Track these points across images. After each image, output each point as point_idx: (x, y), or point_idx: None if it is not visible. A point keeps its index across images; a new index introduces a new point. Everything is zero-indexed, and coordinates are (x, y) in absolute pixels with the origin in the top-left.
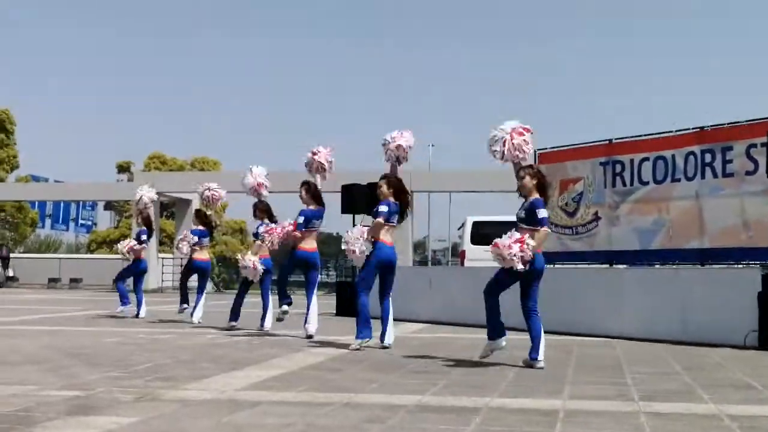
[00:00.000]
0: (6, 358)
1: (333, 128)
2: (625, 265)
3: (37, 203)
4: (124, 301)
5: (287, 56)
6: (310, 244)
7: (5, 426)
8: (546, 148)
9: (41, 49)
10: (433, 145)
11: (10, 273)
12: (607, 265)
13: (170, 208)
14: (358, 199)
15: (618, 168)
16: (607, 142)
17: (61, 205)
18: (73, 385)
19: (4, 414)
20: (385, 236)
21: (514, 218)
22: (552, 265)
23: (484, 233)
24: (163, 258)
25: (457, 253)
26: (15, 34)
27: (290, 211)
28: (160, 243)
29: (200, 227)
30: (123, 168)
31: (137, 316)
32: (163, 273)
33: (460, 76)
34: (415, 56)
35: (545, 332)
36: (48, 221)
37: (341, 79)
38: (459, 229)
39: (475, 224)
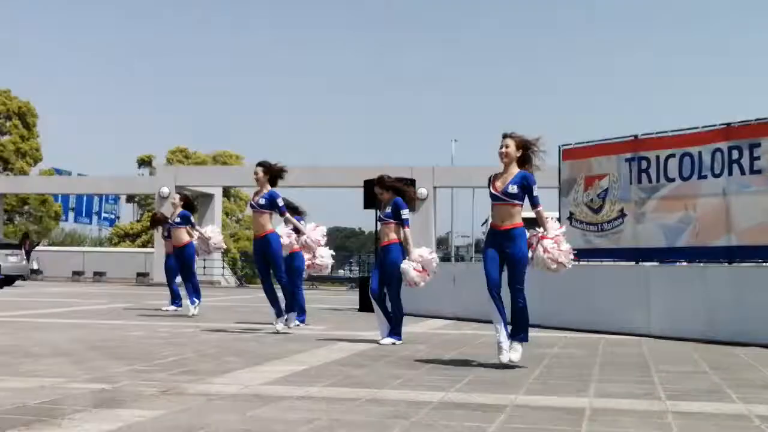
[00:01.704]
0: (33, 351)
1: (354, 123)
2: (651, 263)
3: (60, 196)
4: (177, 302)
5: (309, 50)
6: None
7: (33, 417)
8: (570, 144)
9: (63, 41)
10: (456, 140)
11: (34, 266)
12: (633, 263)
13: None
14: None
15: (644, 164)
16: (633, 138)
17: (84, 198)
18: (99, 377)
19: (32, 406)
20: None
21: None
22: (577, 262)
23: None
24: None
25: (481, 250)
26: (37, 27)
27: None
28: None
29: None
30: (144, 161)
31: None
32: None
33: (484, 70)
34: (434, 50)
35: (571, 329)
36: (71, 214)
37: (362, 73)
38: (483, 225)
39: None
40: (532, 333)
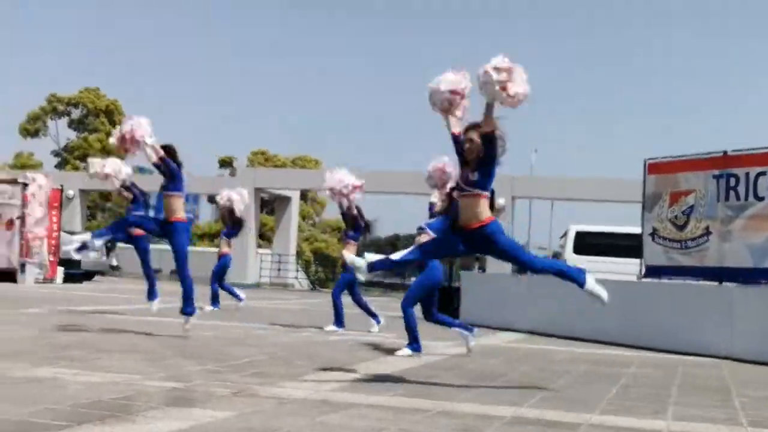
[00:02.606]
0: (108, 347)
1: (434, 130)
2: (736, 283)
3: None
4: (215, 303)
5: (389, 57)
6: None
7: (107, 413)
8: (656, 158)
9: (153, 41)
10: (536, 151)
11: (114, 262)
12: (717, 282)
13: (270, 204)
14: None
15: (732, 181)
16: (722, 153)
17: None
18: (172, 376)
19: (107, 401)
20: None
21: (620, 229)
22: (659, 279)
23: (588, 243)
24: (261, 253)
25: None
26: (125, 28)
27: (387, 212)
28: (260, 237)
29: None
30: (225, 163)
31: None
32: (261, 268)
33: (564, 78)
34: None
35: (649, 349)
36: (151, 213)
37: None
38: (561, 238)
39: (579, 234)
40: (611, 350)
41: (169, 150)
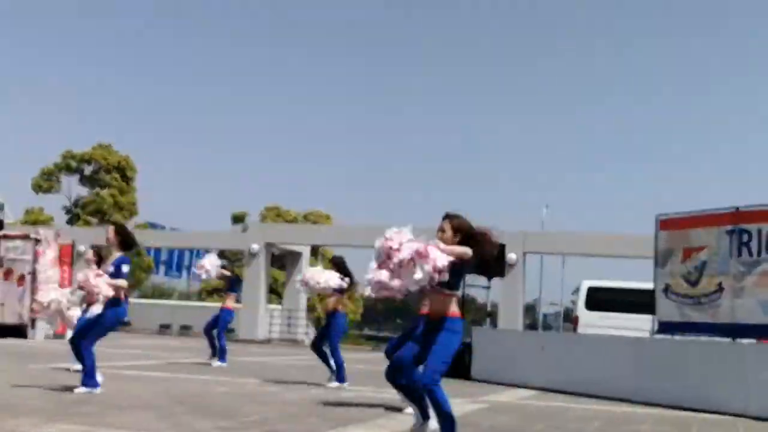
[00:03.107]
0: (119, 402)
1: (444, 186)
2: (748, 339)
3: (153, 250)
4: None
5: (396, 113)
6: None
7: None
8: (668, 215)
9: (160, 99)
10: (548, 206)
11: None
12: (730, 339)
13: (281, 259)
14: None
15: (745, 237)
16: (734, 209)
17: (176, 252)
18: None
19: None
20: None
21: (633, 285)
22: (671, 336)
23: (600, 299)
24: (272, 309)
25: (570, 319)
26: (140, 85)
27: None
28: (270, 291)
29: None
30: (238, 219)
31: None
32: (271, 324)
33: (575, 134)
34: (520, 114)
35: (663, 406)
36: (162, 268)
37: (451, 137)
38: (573, 293)
39: (591, 289)
40: (625, 408)
41: None
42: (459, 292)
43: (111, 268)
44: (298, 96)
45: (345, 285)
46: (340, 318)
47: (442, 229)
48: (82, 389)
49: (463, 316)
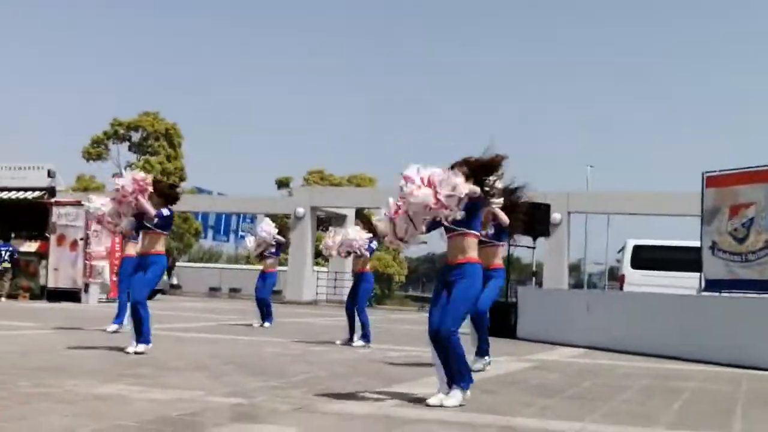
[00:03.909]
0: (173, 364)
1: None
2: None
3: (200, 215)
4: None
5: (442, 72)
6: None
7: (174, 429)
8: (714, 172)
9: (207, 65)
10: (592, 166)
11: (174, 281)
12: None
13: (326, 222)
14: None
15: None
16: None
17: (223, 217)
18: (236, 392)
19: (173, 418)
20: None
21: (679, 243)
22: (719, 293)
23: (646, 257)
24: (317, 271)
25: (615, 277)
26: (183, 52)
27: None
28: (316, 255)
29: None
30: (282, 183)
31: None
32: (317, 286)
33: (622, 94)
34: (573, 76)
35: (712, 363)
36: (210, 232)
37: (498, 97)
38: (619, 252)
39: (637, 248)
40: (672, 365)
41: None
42: (477, 233)
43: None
44: (340, 60)
45: (375, 245)
46: (368, 278)
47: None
48: (141, 346)
49: (507, 271)
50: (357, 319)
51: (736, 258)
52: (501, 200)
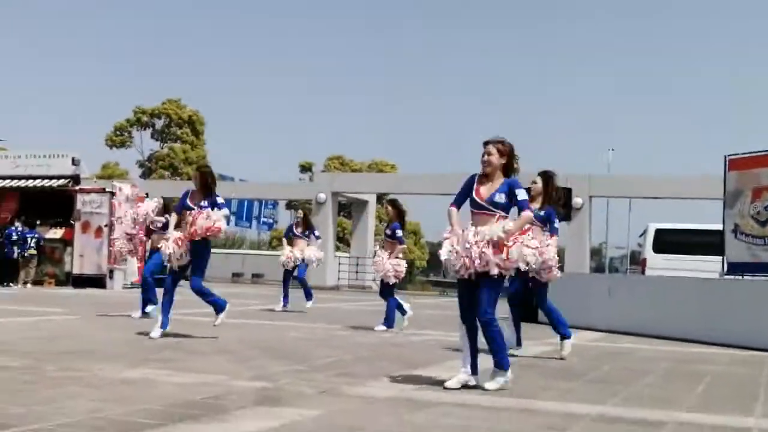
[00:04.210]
0: (198, 348)
1: (509, 130)
2: None
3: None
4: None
5: (462, 55)
6: None
7: (200, 412)
8: (737, 154)
9: (231, 52)
10: (613, 149)
11: None
12: None
13: (348, 207)
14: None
15: None
16: None
17: (245, 203)
18: (260, 376)
19: (198, 401)
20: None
21: (701, 226)
22: (741, 276)
23: (668, 241)
24: (339, 256)
25: (637, 261)
26: (204, 38)
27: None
28: (338, 240)
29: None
30: (305, 168)
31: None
32: (339, 271)
33: (640, 76)
34: (599, 59)
35: (735, 346)
36: (233, 218)
37: (517, 80)
38: (640, 236)
39: (658, 231)
40: (694, 348)
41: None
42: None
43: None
44: (360, 46)
45: (400, 234)
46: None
47: (489, 153)
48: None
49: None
50: (389, 305)
51: (759, 241)
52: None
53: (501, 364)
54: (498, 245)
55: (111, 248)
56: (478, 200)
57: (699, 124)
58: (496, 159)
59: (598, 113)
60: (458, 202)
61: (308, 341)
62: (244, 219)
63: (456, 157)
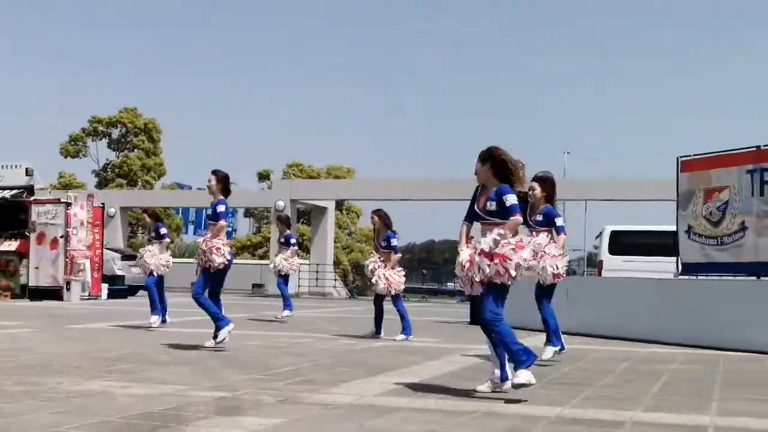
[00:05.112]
0: (155, 358)
1: (463, 136)
2: None
3: (181, 210)
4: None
5: (415, 63)
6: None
7: (159, 423)
8: (688, 156)
9: (184, 61)
10: (568, 152)
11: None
12: (754, 278)
13: (307, 214)
14: None
15: (766, 176)
16: (755, 148)
17: (204, 211)
18: (220, 386)
19: (158, 412)
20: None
21: (655, 227)
22: (695, 277)
23: (623, 242)
24: (299, 263)
25: (593, 263)
26: (160, 48)
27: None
28: (298, 247)
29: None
30: (263, 176)
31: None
32: (299, 279)
33: (594, 78)
34: (548, 60)
35: (690, 345)
36: (191, 227)
37: (471, 85)
38: (596, 238)
39: (614, 233)
40: (651, 348)
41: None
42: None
43: (209, 211)
44: (316, 52)
45: (395, 242)
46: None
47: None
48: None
49: None
50: (391, 312)
51: (712, 241)
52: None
53: (518, 362)
54: (491, 255)
55: (67, 259)
56: (476, 211)
57: (652, 126)
58: (479, 168)
59: (553, 116)
60: (468, 218)
61: (269, 349)
62: (202, 228)
63: (411, 161)
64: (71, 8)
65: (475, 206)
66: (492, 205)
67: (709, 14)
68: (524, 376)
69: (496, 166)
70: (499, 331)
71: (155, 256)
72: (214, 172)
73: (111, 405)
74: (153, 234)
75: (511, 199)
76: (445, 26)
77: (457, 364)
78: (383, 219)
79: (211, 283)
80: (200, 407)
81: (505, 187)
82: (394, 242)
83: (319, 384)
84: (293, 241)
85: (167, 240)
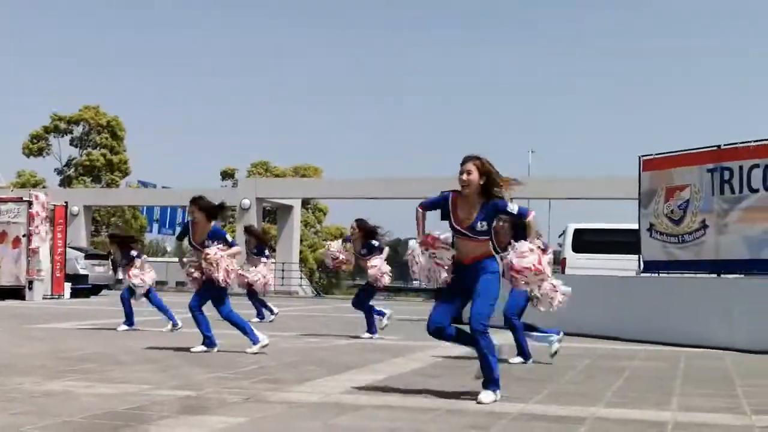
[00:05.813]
0: (119, 358)
1: (431, 133)
2: (733, 275)
3: (145, 208)
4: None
5: (386, 65)
6: None
7: (122, 423)
8: (650, 155)
9: (148, 59)
10: (533, 151)
11: (120, 275)
12: (715, 275)
13: (273, 213)
14: None
15: (726, 175)
16: (716, 148)
17: (168, 210)
18: (184, 385)
19: (121, 411)
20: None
21: (618, 226)
22: (657, 274)
23: (587, 240)
24: (264, 262)
25: (557, 261)
26: (122, 45)
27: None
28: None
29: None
30: (227, 174)
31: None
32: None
33: (559, 77)
34: (511, 56)
35: (651, 342)
36: (156, 226)
37: (435, 83)
38: (560, 236)
39: (577, 231)
40: (612, 345)
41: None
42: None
43: (207, 240)
44: (282, 50)
45: (376, 244)
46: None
47: (468, 171)
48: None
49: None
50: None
51: (673, 239)
52: None
53: (492, 381)
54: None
55: (30, 259)
56: (458, 228)
57: (613, 125)
58: (475, 178)
59: (517, 115)
60: (426, 208)
61: (233, 349)
62: (167, 226)
63: (379, 160)
64: (29, 4)
65: (455, 222)
66: (483, 226)
67: (670, 14)
68: (491, 397)
69: (490, 182)
70: (485, 343)
71: (137, 277)
72: (195, 202)
73: (74, 405)
74: (125, 261)
75: (512, 206)
76: (403, 24)
77: (422, 362)
78: (364, 231)
79: (204, 293)
80: (164, 406)
81: (500, 202)
82: (377, 244)
83: (284, 382)
84: (267, 252)
85: (141, 259)
